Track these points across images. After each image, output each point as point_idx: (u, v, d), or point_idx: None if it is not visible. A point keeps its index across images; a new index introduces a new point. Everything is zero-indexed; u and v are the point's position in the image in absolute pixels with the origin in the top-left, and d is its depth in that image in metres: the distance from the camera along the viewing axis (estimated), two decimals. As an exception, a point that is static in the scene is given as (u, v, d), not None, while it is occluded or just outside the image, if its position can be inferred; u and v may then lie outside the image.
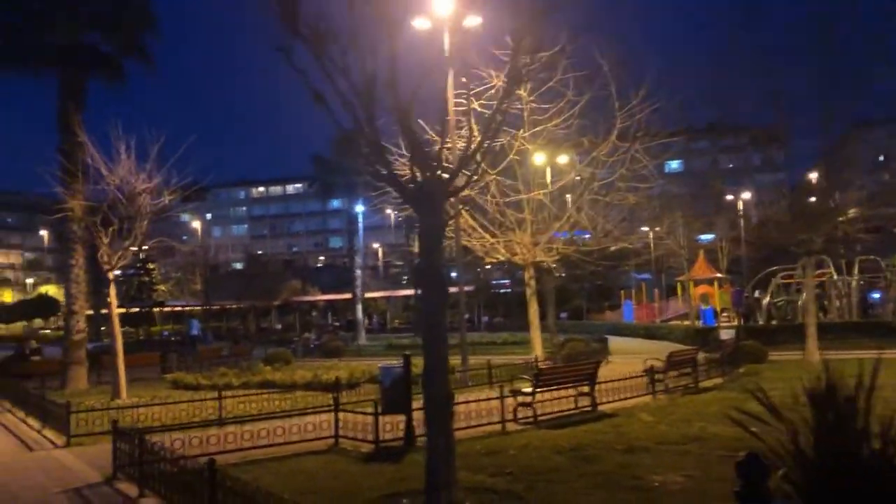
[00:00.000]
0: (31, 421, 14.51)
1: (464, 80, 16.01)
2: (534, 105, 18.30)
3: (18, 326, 79.75)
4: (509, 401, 11.78)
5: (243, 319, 76.20)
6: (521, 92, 17.35)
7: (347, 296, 61.37)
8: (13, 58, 20.97)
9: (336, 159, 39.92)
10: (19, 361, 22.64)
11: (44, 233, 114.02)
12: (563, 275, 34.93)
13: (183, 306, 58.74)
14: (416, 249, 61.97)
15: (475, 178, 9.32)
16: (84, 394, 19.20)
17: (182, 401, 12.58)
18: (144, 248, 17.56)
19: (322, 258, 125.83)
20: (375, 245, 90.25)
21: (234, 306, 66.25)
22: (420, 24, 14.45)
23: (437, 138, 11.24)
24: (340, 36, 6.42)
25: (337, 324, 50.26)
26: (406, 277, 74.23)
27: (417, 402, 8.15)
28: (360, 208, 45.99)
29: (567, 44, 16.56)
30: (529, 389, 12.30)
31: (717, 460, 8.27)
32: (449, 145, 14.41)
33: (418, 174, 6.84)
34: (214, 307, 60.00)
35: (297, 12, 6.43)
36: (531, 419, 11.90)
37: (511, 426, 11.51)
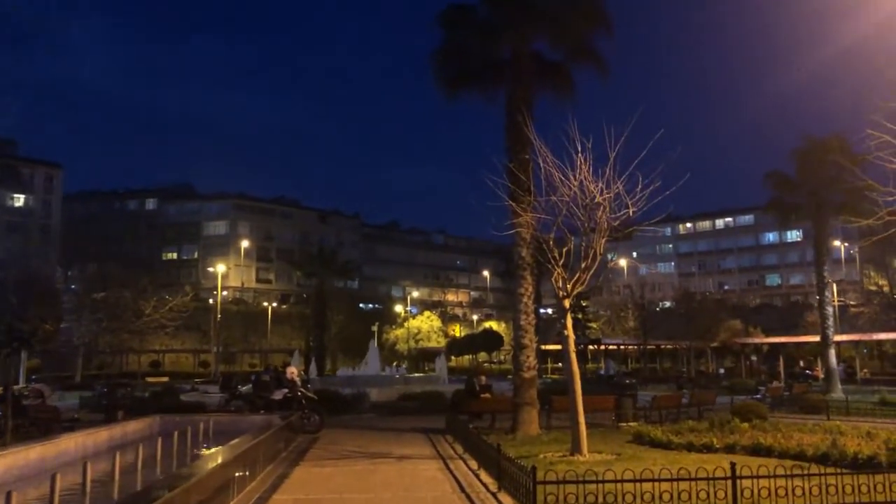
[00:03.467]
0: (484, 476, 12.14)
1: None
2: None
3: (465, 360, 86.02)
4: None
5: (674, 361, 71.61)
6: None
7: (807, 338, 53.13)
8: (464, 77, 20.05)
9: (801, 175, 33.64)
10: (470, 398, 21.44)
11: (486, 273, 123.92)
12: None
13: (619, 345, 56.36)
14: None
15: None
16: (536, 441, 16.77)
17: (679, 479, 8.80)
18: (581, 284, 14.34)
19: (747, 297, 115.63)
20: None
21: (668, 346, 62.07)
22: None
23: None
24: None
25: (808, 371, 42.87)
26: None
27: None
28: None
29: None
30: None
31: None
32: None
33: None
34: (650, 346, 56.47)
35: None
36: None
37: None
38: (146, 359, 74.59)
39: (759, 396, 26.69)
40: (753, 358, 65.72)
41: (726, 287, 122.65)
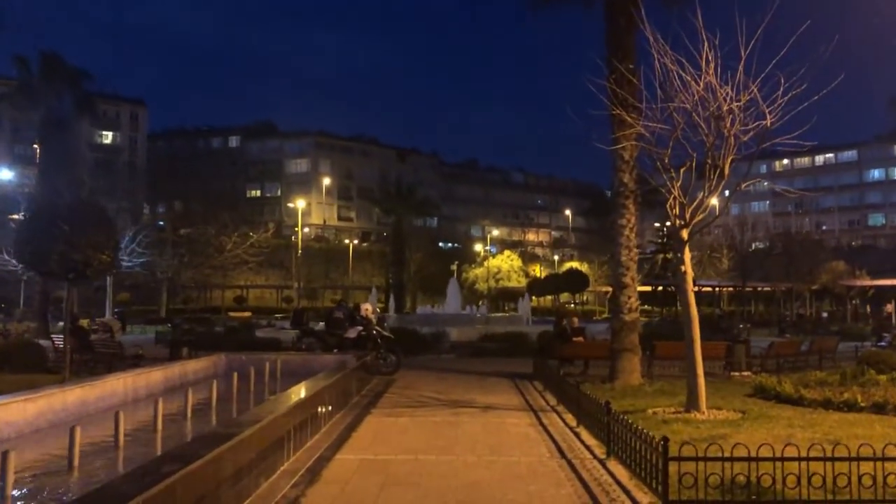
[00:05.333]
0: (585, 436, 10.21)
1: None
2: None
3: (546, 300, 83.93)
4: None
5: (768, 304, 67.57)
6: None
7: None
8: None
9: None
10: (560, 342, 19.44)
11: (567, 212, 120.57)
12: None
13: (714, 286, 53.11)
14: None
15: None
16: (639, 392, 14.70)
17: (861, 458, 6.54)
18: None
19: (847, 237, 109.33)
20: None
21: (766, 289, 58.34)
22: None
23: None
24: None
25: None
26: None
27: None
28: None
29: None
30: None
31: None
32: None
33: None
34: (747, 289, 53.03)
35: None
36: None
37: None
38: (231, 294, 75.52)
39: (883, 344, 23.82)
40: (855, 301, 61.41)
41: (824, 227, 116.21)
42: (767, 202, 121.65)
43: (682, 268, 12.02)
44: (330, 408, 11.43)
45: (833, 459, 6.56)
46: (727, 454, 6.79)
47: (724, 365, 18.25)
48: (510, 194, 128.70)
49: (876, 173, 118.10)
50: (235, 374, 13.19)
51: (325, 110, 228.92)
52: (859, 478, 6.51)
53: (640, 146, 13.03)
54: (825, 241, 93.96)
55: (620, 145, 14.24)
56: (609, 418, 8.67)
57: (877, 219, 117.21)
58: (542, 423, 11.45)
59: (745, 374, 17.80)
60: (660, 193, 12.88)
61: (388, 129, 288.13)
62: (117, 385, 11.59)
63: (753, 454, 6.62)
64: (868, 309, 60.82)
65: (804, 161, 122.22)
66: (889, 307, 56.91)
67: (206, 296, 75.21)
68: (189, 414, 10.56)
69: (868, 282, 56.26)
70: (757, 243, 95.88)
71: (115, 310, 42.96)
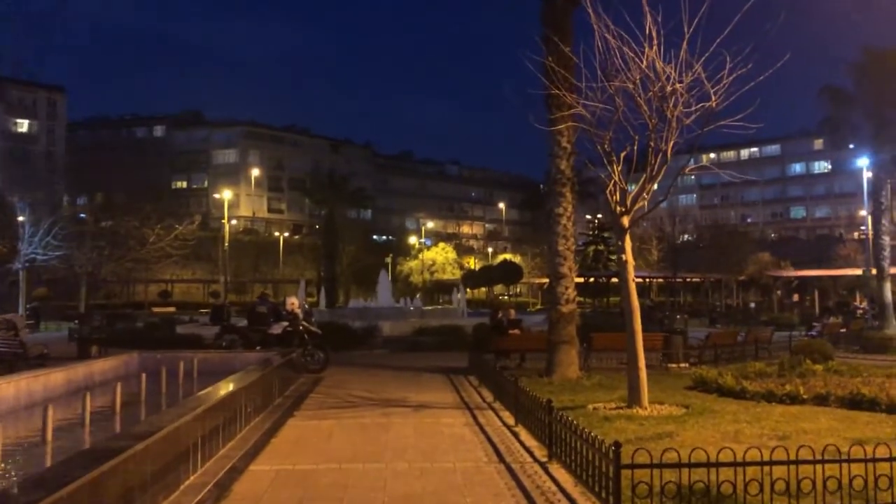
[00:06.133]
0: (524, 436, 9.53)
1: None
2: None
3: (481, 292, 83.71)
4: None
5: (695, 294, 68.85)
6: None
7: (847, 271, 50.42)
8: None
9: (860, 91, 30.12)
10: (496, 334, 18.79)
11: (501, 205, 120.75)
12: None
13: (644, 277, 53.55)
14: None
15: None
16: (577, 386, 14.16)
17: (826, 461, 5.96)
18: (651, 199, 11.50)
19: (770, 230, 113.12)
20: (862, 213, 75.17)
21: (696, 279, 59.31)
22: None
23: None
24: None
25: (861, 307, 39.90)
26: None
27: None
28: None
29: None
30: None
31: None
32: None
33: None
34: (677, 280, 53.71)
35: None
36: None
37: None
38: (155, 288, 72.84)
39: (813, 333, 24.02)
40: (778, 292, 63.07)
41: (749, 220, 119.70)
42: (695, 195, 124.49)
43: (623, 257, 11.44)
44: (248, 411, 10.47)
45: (797, 462, 5.99)
46: (676, 452, 6.22)
47: (661, 356, 17.90)
48: (445, 186, 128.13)
49: (797, 167, 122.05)
50: (144, 376, 12.05)
51: (257, 101, 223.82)
52: (824, 482, 5.97)
53: (580, 128, 12.43)
54: (750, 233, 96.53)
55: (557, 127, 13.61)
56: (551, 419, 7.98)
57: (798, 212, 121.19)
58: (478, 423, 10.73)
59: (683, 365, 17.52)
60: (591, 185, 12.29)
61: (321, 121, 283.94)
62: (7, 390, 10.33)
63: (707, 453, 5.98)
64: (795, 297, 62.43)
65: (730, 155, 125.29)
66: (796, 296, 58.66)
67: (130, 290, 72.38)
68: (87, 422, 9.45)
69: (792, 272, 57.71)
70: (685, 235, 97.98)
71: (28, 305, 40.57)
